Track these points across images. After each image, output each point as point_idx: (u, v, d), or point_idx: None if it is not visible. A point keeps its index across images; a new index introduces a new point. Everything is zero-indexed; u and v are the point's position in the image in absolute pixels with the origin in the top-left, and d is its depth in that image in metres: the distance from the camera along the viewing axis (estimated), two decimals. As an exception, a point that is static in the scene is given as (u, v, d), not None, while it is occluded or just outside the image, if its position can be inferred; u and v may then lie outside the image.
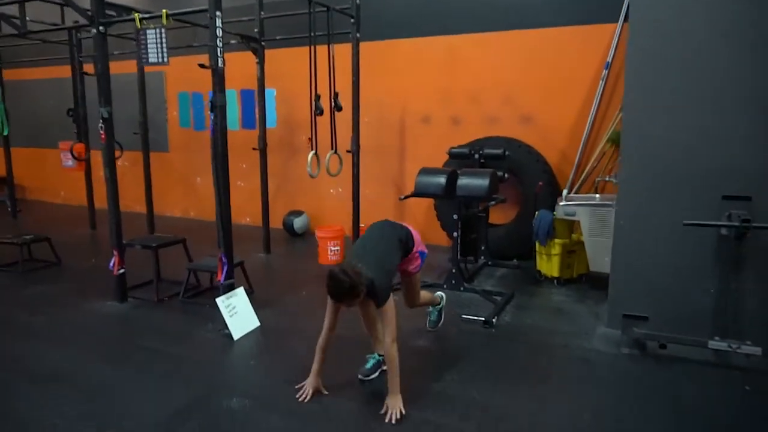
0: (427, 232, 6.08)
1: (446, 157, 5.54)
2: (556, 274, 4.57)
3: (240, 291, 3.66)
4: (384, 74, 6.03)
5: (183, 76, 7.28)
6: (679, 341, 3.15)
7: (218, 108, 3.43)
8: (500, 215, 5.61)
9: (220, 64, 3.38)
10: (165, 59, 3.59)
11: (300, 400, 2.70)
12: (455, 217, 4.36)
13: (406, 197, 4.46)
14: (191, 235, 5.13)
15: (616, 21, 4.94)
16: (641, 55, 3.31)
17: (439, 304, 3.64)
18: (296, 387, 2.78)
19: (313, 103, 4.55)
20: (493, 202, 4.11)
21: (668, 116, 3.28)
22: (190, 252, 4.69)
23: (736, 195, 3.15)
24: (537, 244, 4.70)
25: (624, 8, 4.86)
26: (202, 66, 3.40)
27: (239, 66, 6.85)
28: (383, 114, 6.13)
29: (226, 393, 2.79)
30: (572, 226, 4.63)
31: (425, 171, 4.40)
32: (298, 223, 6.40)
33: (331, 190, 6.59)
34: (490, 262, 5.13)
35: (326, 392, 2.77)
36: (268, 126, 6.74)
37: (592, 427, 2.47)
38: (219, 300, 3.50)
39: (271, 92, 6.72)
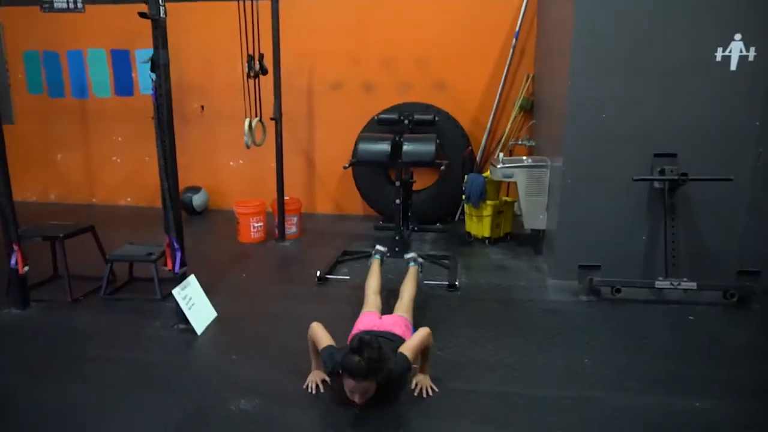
0: (342, 202, 5.95)
1: (359, 124, 5.44)
2: (487, 234, 4.79)
3: (193, 280, 3.22)
4: (288, 36, 5.61)
5: (29, 32, 6.02)
6: (629, 284, 3.53)
7: (162, 67, 2.90)
8: (419, 180, 5.67)
9: (162, 14, 2.84)
10: (80, 4, 2.91)
11: (309, 391, 2.49)
12: (398, 183, 4.31)
13: (350, 165, 4.28)
14: (65, 221, 4.30)
15: (524, -9, 5.21)
16: (585, 27, 3.52)
17: None
18: (303, 387, 2.54)
19: (246, 64, 4.08)
20: (442, 167, 4.13)
21: (606, 82, 3.56)
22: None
23: (664, 153, 3.59)
24: (466, 207, 4.88)
25: (531, -20, 5.14)
26: (142, 15, 2.82)
27: (108, 20, 5.89)
28: (289, 79, 5.72)
29: (227, 395, 2.45)
30: (500, 187, 4.88)
31: (366, 138, 4.26)
32: (197, 200, 5.80)
33: (231, 163, 6.07)
34: (416, 228, 5.20)
35: (329, 379, 2.57)
36: (144, 92, 5.97)
37: (596, 367, 2.67)
38: (175, 291, 3.03)
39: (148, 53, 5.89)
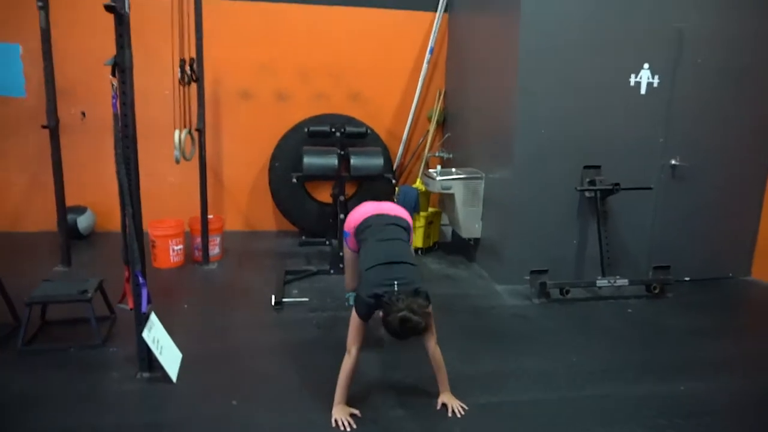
0: (252, 218, 5.59)
1: (273, 135, 5.20)
2: (420, 244, 4.89)
3: (155, 319, 2.76)
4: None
5: None
6: (575, 285, 3.89)
7: (127, 71, 2.45)
8: (326, 193, 5.54)
9: (126, 8, 2.41)
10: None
11: (345, 430, 2.31)
12: (342, 198, 4.20)
13: (298, 180, 4.04)
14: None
15: (436, 11, 5.43)
16: (530, 55, 3.80)
17: None
18: (333, 425, 2.35)
19: (179, 69, 3.61)
20: (393, 179, 4.11)
21: (546, 102, 3.89)
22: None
23: (592, 165, 4.04)
24: (397, 219, 4.92)
25: (442, 1, 5.38)
26: (108, 8, 2.33)
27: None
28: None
29: (257, 447, 2.17)
30: (429, 198, 5.01)
31: (312, 152, 4.07)
32: (83, 222, 4.96)
33: (120, 178, 5.31)
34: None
35: (358, 412, 2.43)
36: (15, 95, 5.00)
37: (588, 364, 2.92)
38: (145, 335, 2.58)
39: (14, 48, 4.92)
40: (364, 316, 2.39)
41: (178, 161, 3.68)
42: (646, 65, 3.96)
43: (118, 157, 2.52)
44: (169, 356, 2.73)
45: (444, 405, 2.48)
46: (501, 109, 4.15)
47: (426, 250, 4.95)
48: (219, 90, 5.31)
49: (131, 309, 2.66)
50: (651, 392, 2.66)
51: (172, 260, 4.33)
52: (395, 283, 2.35)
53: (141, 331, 2.60)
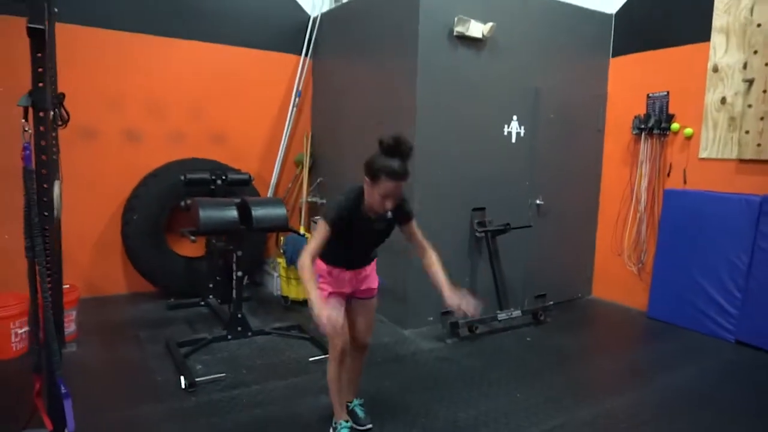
0: (97, 281, 4.66)
1: (126, 184, 4.51)
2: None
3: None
4: (6, 66, 4.10)
5: None
6: (482, 321, 4.10)
7: (47, 114, 1.87)
8: (188, 246, 4.94)
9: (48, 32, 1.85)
10: None
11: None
12: (239, 253, 3.78)
13: (195, 236, 3.49)
14: None
15: (300, 54, 5.33)
16: (423, 99, 4.00)
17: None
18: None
19: (57, 109, 2.82)
20: (303, 234, 3.82)
21: (437, 149, 4.11)
22: None
23: (478, 207, 4.38)
24: (282, 270, 4.62)
25: (305, 44, 5.31)
26: (32, 31, 1.73)
27: None
28: (14, 123, 4.17)
29: None
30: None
31: (207, 204, 3.59)
32: None
33: None
34: (219, 300, 4.56)
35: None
36: None
37: (533, 396, 3.09)
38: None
39: None
40: (334, 218, 2.24)
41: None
42: (515, 117, 4.48)
43: (32, 228, 1.89)
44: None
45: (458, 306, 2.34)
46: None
47: (314, 300, 4.72)
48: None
49: (50, 431, 1.98)
50: (601, 410, 2.94)
51: (14, 348, 3.35)
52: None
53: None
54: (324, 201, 5.29)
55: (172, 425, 2.69)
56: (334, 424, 2.60)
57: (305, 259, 2.20)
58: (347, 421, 2.60)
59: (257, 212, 3.68)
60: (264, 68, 5.20)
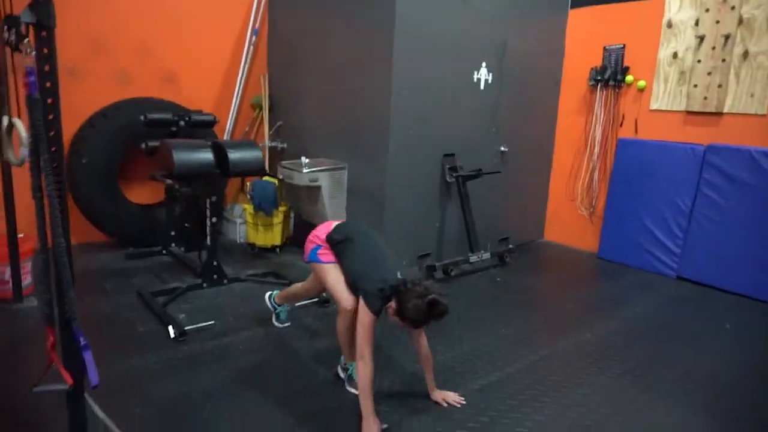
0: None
1: (69, 125, 4.05)
2: (278, 242, 4.54)
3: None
4: None
5: None
6: (454, 264, 4.23)
7: (51, 32, 1.64)
8: (144, 194, 4.65)
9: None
10: None
11: None
12: (213, 198, 3.60)
13: (170, 180, 3.25)
14: None
15: (256, -14, 4.99)
16: (401, 50, 3.89)
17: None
18: None
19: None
20: (280, 177, 3.66)
21: (411, 102, 4.07)
22: None
23: (448, 153, 4.43)
24: (249, 216, 4.47)
25: (261, -23, 4.97)
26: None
27: None
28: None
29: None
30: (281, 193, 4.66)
31: (181, 146, 3.35)
32: None
33: None
34: (183, 249, 4.35)
35: (387, 425, 2.27)
36: None
37: (519, 331, 3.28)
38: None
39: None
40: (378, 310, 2.24)
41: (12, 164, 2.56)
42: (484, 63, 4.51)
43: (41, 165, 1.68)
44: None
45: (442, 401, 2.49)
46: (371, 106, 4.12)
47: (281, 247, 4.63)
48: (-24, 59, 3.80)
49: (70, 386, 1.83)
50: (584, 340, 3.18)
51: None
52: (397, 273, 2.31)
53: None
54: (285, 146, 5.10)
55: (172, 377, 2.58)
56: (343, 365, 2.62)
57: (367, 369, 2.19)
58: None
59: (233, 155, 3.49)
60: (217, 5, 4.81)
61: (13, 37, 2.42)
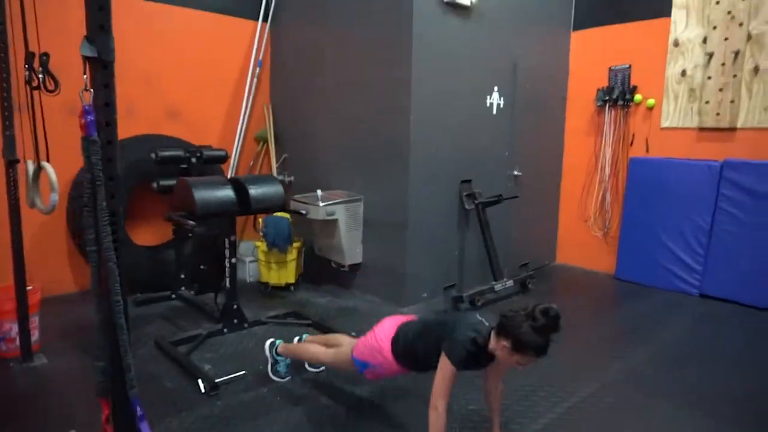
0: (39, 277, 3.99)
1: (72, 164, 3.88)
2: (292, 280, 4.34)
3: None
4: None
5: None
6: (480, 293, 4.08)
7: (110, 67, 1.49)
8: (148, 235, 4.42)
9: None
10: None
11: None
12: (232, 238, 3.41)
13: (194, 222, 3.04)
14: None
15: (256, 19, 4.88)
16: (418, 71, 3.83)
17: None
18: None
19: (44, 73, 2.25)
20: (304, 212, 3.50)
21: (428, 129, 3.98)
22: None
23: (465, 179, 4.33)
24: (261, 254, 4.27)
25: (262, 9, 4.87)
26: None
27: None
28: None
29: None
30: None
31: (200, 184, 3.17)
32: None
33: None
34: (194, 292, 4.11)
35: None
36: None
37: (552, 359, 3.15)
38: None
39: None
40: (460, 362, 2.04)
41: (33, 207, 2.37)
42: (495, 88, 4.46)
43: (100, 217, 1.51)
44: None
45: None
46: (388, 135, 4.01)
47: (295, 285, 4.43)
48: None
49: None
50: (631, 367, 3.06)
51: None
52: (480, 319, 2.16)
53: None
54: (291, 179, 4.95)
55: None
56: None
57: (440, 420, 2.03)
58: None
59: (254, 191, 3.33)
60: (220, 35, 4.70)
61: (36, 75, 2.27)
